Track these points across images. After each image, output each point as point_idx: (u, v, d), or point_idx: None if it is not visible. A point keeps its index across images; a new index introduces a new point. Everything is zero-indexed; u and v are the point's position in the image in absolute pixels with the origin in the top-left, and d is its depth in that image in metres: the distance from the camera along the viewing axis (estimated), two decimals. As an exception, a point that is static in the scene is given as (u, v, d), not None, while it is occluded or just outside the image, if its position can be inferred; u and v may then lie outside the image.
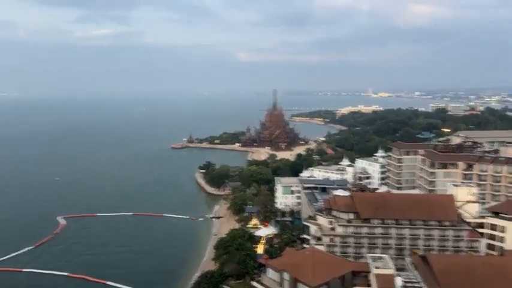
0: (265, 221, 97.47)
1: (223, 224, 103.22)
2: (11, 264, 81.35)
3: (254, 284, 62.62)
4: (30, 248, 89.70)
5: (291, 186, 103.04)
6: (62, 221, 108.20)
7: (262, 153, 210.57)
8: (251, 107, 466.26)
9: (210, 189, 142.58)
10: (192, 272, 76.60)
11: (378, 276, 46.68)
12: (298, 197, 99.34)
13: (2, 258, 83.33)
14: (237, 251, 69.89)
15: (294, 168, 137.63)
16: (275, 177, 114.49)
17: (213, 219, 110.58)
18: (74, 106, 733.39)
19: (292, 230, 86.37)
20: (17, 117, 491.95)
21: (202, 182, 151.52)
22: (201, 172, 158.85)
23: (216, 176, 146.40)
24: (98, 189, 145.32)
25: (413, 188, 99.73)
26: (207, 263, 79.31)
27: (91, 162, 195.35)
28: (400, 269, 52.24)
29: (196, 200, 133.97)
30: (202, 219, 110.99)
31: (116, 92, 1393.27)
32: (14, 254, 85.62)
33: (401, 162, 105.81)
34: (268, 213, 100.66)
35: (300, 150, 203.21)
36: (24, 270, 78.65)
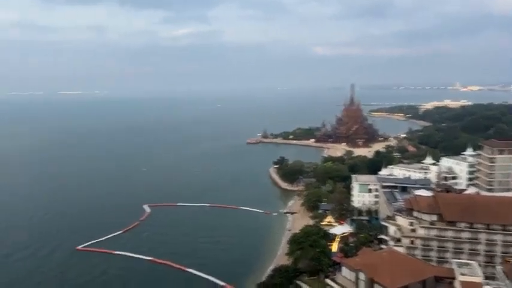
0: (340, 219, 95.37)
1: (297, 220, 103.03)
2: (103, 246, 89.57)
3: (328, 281, 61.41)
4: (120, 232, 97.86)
5: (369, 184, 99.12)
6: (147, 208, 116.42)
7: (338, 150, 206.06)
8: (327, 102, 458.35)
9: (284, 185, 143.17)
10: (266, 265, 77.59)
11: (464, 283, 42.99)
12: (376, 196, 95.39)
13: (95, 240, 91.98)
14: (311, 247, 69.24)
15: (372, 166, 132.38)
16: (352, 175, 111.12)
17: (287, 214, 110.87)
18: (157, 104, 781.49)
19: (369, 229, 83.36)
20: (110, 114, 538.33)
21: (276, 177, 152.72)
22: (275, 167, 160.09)
23: (290, 172, 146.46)
24: (179, 180, 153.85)
25: (508, 190, 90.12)
26: (280, 257, 79.84)
27: (174, 156, 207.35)
28: (489, 277, 47.76)
29: (270, 194, 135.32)
30: (276, 214, 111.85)
31: (195, 90, 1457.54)
32: (105, 237, 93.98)
33: (493, 162, 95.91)
34: (344, 211, 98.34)
35: (379, 147, 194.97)
36: (114, 252, 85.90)
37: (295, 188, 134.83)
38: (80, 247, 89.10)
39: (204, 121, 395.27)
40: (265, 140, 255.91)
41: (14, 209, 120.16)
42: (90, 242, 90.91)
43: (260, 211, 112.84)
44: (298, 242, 71.94)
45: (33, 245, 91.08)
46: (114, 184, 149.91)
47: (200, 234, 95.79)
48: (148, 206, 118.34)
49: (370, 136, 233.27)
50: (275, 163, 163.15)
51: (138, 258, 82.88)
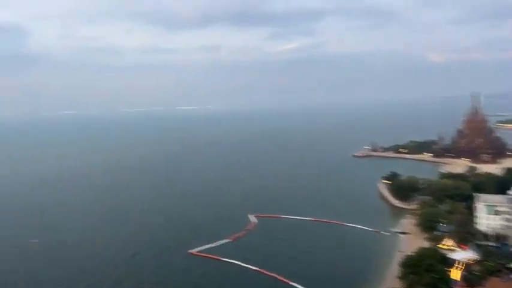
0: (461, 243, 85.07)
1: (410, 241, 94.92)
2: (213, 252, 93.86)
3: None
4: (228, 240, 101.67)
5: (498, 205, 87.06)
6: (253, 219, 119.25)
7: (458, 165, 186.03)
8: (444, 113, 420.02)
9: (395, 202, 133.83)
10: (374, 287, 72.81)
11: None
12: (507, 219, 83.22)
13: (205, 246, 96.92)
14: (426, 272, 63.02)
15: (501, 185, 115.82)
16: (475, 194, 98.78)
17: (399, 234, 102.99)
18: (263, 116, 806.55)
19: (497, 257, 72.87)
20: (221, 126, 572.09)
21: (386, 193, 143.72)
22: (385, 183, 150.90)
23: (402, 188, 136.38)
24: (283, 192, 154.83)
25: None
26: (390, 280, 73.97)
27: (278, 167, 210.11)
28: None
29: (380, 211, 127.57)
30: (386, 233, 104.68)
31: (299, 102, 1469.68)
32: (215, 244, 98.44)
33: None
34: (466, 235, 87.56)
35: (510, 163, 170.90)
36: (223, 259, 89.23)
37: (408, 206, 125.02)
38: (192, 251, 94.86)
39: (308, 133, 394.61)
40: (373, 154, 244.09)
41: (135, 211, 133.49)
42: (201, 248, 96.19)
43: (368, 229, 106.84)
44: (411, 266, 66.13)
45: (154, 247, 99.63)
46: (222, 192, 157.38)
47: (305, 249, 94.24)
48: (254, 216, 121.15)
49: (498, 150, 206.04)
50: (385, 178, 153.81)
51: (246, 267, 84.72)
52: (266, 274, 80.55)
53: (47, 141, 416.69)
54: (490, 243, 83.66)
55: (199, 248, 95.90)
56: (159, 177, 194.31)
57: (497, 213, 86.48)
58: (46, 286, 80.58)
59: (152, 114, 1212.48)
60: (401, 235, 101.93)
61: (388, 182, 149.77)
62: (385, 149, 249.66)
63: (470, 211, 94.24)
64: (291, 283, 75.85)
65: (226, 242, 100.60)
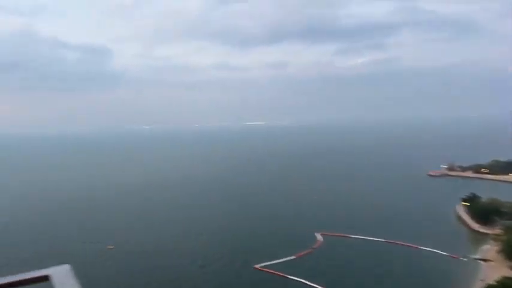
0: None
1: (492, 269, 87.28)
2: (278, 269, 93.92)
3: None
4: (293, 257, 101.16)
5: None
6: (319, 237, 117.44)
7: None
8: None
9: (475, 226, 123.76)
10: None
11: None
12: None
13: (271, 262, 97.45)
14: (512, 305, 57.43)
15: None
16: None
17: (479, 261, 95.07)
18: (332, 131, 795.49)
19: None
20: (290, 141, 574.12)
21: (465, 216, 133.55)
22: (464, 205, 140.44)
23: (484, 211, 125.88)
24: (353, 210, 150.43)
25: None
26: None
27: (343, 184, 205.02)
28: None
29: (458, 235, 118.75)
30: (465, 259, 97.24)
31: (368, 118, 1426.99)
32: (280, 260, 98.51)
33: None
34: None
35: None
36: (289, 276, 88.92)
37: (490, 231, 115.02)
38: (257, 266, 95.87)
39: (380, 149, 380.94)
40: (451, 173, 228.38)
41: (204, 222, 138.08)
42: (266, 263, 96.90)
43: (445, 254, 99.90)
44: (494, 297, 60.71)
45: (221, 259, 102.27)
46: (289, 208, 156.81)
47: (375, 272, 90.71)
48: (321, 234, 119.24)
49: None
50: (464, 200, 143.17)
51: (311, 285, 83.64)
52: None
53: (130, 152, 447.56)
54: None
55: (264, 264, 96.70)
56: (229, 191, 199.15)
57: None
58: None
59: (221, 129, 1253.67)
60: (482, 262, 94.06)
61: (467, 204, 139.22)
62: (464, 169, 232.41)
63: None
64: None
65: (292, 259, 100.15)
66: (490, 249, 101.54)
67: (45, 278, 3.63)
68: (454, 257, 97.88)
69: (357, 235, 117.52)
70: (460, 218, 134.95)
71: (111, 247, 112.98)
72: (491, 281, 71.83)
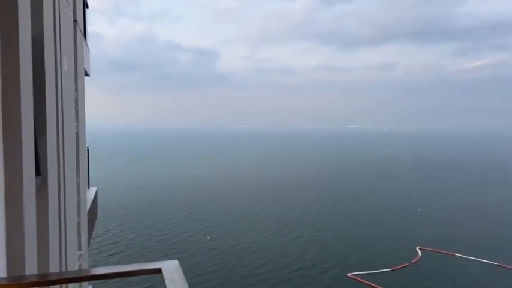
0: None
1: None
2: (371, 279, 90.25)
3: None
4: (388, 270, 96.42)
5: None
6: (420, 252, 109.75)
7: None
8: None
9: None
10: None
11: None
12: None
13: (364, 272, 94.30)
14: None
15: None
16: None
17: None
18: (450, 140, 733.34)
19: None
20: (395, 149, 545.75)
21: None
22: None
23: None
24: (461, 225, 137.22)
25: None
26: None
27: (451, 198, 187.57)
28: None
29: None
30: None
31: (487, 126, 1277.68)
32: (374, 271, 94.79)
33: None
34: None
35: None
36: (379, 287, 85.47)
37: None
38: (350, 274, 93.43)
39: (498, 164, 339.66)
40: None
41: (309, 225, 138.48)
42: (359, 272, 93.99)
43: None
44: None
45: (317, 264, 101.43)
46: (393, 219, 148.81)
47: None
48: (423, 249, 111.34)
49: None
50: None
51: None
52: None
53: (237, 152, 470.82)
54: None
55: (358, 272, 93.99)
56: (331, 194, 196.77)
57: None
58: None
59: (322, 131, 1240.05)
60: None
61: None
62: None
63: None
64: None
65: (386, 271, 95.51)
66: None
67: (157, 271, 3.88)
68: None
69: (463, 254, 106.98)
70: None
71: (208, 238, 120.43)
72: None
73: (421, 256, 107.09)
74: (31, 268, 6.53)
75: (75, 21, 13.10)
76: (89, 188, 23.14)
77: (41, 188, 7.98)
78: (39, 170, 7.95)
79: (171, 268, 4.00)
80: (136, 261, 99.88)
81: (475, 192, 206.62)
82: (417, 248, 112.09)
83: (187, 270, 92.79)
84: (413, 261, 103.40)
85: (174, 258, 5.00)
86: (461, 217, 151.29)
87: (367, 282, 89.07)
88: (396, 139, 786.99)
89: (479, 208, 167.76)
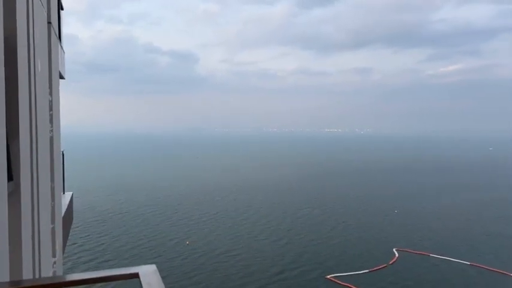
0: None
1: None
2: (349, 281, 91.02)
3: None
4: (366, 271, 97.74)
5: None
6: (397, 253, 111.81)
7: None
8: None
9: None
10: None
11: None
12: None
13: (342, 274, 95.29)
14: None
15: None
16: None
17: None
18: (424, 143, 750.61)
19: None
20: (369, 152, 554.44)
21: None
22: None
23: None
24: (435, 229, 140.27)
25: None
26: None
27: (427, 202, 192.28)
28: None
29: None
30: None
31: (463, 130, 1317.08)
32: (352, 273, 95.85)
33: None
34: None
35: None
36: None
37: None
38: (329, 276, 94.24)
39: (471, 166, 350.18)
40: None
41: (284, 228, 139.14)
42: (338, 274, 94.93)
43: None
44: None
45: (297, 267, 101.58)
46: (370, 221, 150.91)
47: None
48: (399, 250, 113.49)
49: None
50: None
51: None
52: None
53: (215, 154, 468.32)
54: None
55: (336, 274, 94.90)
56: (309, 197, 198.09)
57: None
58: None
59: (301, 135, 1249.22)
60: None
61: None
62: None
63: None
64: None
65: (364, 273, 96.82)
66: None
67: (135, 275, 3.86)
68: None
69: (437, 254, 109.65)
70: None
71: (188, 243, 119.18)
72: None
73: (398, 257, 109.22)
74: (3, 275, 6.33)
75: (49, 22, 12.82)
76: (64, 193, 22.61)
77: (13, 194, 7.75)
78: (11, 175, 7.73)
79: (148, 273, 4.00)
80: (113, 267, 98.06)
81: (450, 194, 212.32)
82: (394, 250, 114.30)
83: (165, 275, 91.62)
84: (390, 263, 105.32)
85: (151, 263, 4.98)
86: (436, 218, 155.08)
87: (346, 284, 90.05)
88: (373, 142, 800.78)
89: (453, 210, 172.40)
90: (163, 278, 4.27)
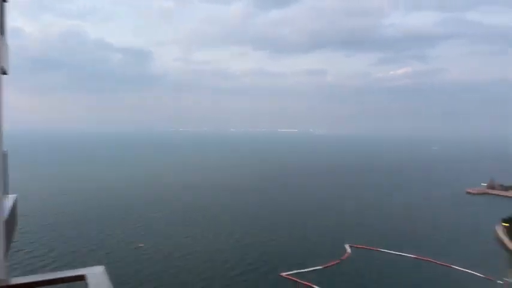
0: None
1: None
2: (305, 278, 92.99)
3: None
4: (319, 267, 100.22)
5: None
6: (348, 248, 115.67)
7: None
8: None
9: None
10: None
11: None
12: None
13: (297, 271, 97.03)
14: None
15: None
16: None
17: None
18: (374, 143, 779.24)
19: None
20: (324, 153, 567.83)
21: (504, 237, 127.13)
22: (505, 225, 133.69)
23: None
24: (385, 224, 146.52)
25: None
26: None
27: (378, 199, 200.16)
28: None
29: (495, 257, 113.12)
30: (501, 281, 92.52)
31: (407, 130, 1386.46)
32: (306, 270, 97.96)
33: None
34: None
35: None
36: (313, 285, 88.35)
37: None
38: (283, 274, 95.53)
39: (415, 165, 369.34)
40: (491, 192, 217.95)
41: (235, 226, 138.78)
42: (292, 272, 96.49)
43: (480, 275, 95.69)
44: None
45: (250, 265, 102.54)
46: (320, 218, 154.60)
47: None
48: (349, 246, 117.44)
49: None
50: (505, 221, 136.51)
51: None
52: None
53: (168, 155, 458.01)
54: None
55: (290, 272, 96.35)
56: (260, 196, 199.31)
57: None
58: None
59: (255, 135, 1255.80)
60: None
61: (507, 224, 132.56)
62: (506, 188, 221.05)
63: None
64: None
65: (318, 269, 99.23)
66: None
67: (80, 278, 3.79)
68: (489, 279, 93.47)
69: (386, 249, 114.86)
70: (498, 239, 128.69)
71: (141, 245, 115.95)
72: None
73: (350, 253, 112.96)
74: None
75: None
76: (7, 195, 21.30)
77: None
78: None
79: (96, 274, 3.93)
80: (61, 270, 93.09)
81: (400, 191, 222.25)
82: (346, 245, 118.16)
83: (116, 278, 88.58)
84: (343, 258, 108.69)
85: (100, 264, 4.78)
86: (385, 215, 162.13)
87: (300, 281, 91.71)
88: (325, 142, 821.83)
89: (401, 207, 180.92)
90: (112, 280, 4.14)
